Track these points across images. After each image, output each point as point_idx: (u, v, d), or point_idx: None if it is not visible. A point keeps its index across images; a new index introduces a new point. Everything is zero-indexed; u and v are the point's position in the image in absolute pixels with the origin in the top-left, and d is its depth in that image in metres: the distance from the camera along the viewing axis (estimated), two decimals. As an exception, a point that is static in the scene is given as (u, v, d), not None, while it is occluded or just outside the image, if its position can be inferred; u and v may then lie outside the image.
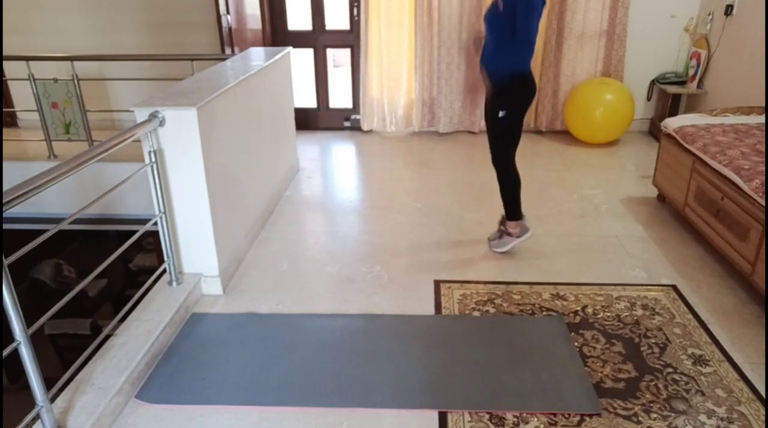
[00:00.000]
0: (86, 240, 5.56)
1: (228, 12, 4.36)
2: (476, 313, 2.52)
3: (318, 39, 5.28)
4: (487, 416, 1.94)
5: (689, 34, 4.85)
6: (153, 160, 2.36)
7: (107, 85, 5.24)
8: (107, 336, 2.20)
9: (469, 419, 1.93)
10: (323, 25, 5.24)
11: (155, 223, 2.48)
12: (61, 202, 3.92)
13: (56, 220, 1.92)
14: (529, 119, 5.19)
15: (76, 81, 4.13)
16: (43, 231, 1.75)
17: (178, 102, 2.41)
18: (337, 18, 5.47)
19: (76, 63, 4.15)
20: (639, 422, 1.90)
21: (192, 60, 4.16)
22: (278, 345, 2.32)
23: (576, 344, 2.30)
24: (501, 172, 2.91)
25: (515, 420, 1.93)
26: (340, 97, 5.60)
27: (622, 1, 4.71)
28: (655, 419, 1.92)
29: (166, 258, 2.55)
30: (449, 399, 2.01)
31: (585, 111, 4.70)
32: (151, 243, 5.18)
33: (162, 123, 2.35)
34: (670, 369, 2.15)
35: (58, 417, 1.81)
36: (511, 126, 2.80)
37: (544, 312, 2.52)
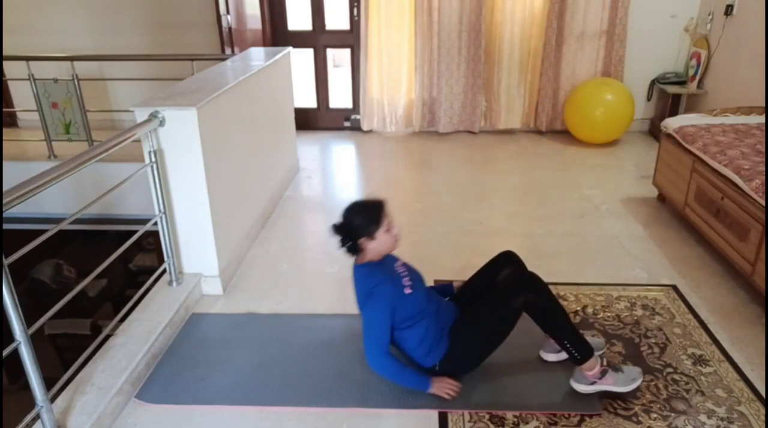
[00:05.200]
0: (86, 240, 5.55)
1: (228, 12, 4.36)
2: (476, 313, 2.52)
3: (318, 39, 5.27)
4: (487, 416, 1.94)
5: (689, 34, 4.85)
6: (153, 160, 2.36)
7: (107, 85, 5.24)
8: (107, 336, 2.21)
9: (469, 419, 1.93)
10: (323, 25, 5.24)
11: (155, 223, 2.48)
12: (61, 202, 3.91)
13: (56, 220, 1.92)
14: (529, 119, 5.20)
15: (76, 81, 4.13)
16: (43, 231, 1.75)
17: (178, 102, 2.42)
18: (337, 18, 5.47)
19: (76, 63, 4.16)
20: (639, 422, 1.90)
21: (192, 60, 4.16)
22: (278, 345, 2.32)
23: (576, 344, 2.30)
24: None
25: (515, 420, 1.93)
26: (340, 97, 5.59)
27: (622, 1, 4.70)
28: (655, 419, 1.91)
29: (166, 258, 2.55)
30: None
31: (585, 111, 4.70)
32: (151, 243, 5.17)
33: (162, 123, 2.35)
34: (670, 369, 2.15)
35: (58, 417, 1.81)
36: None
37: (544, 312, 2.51)
